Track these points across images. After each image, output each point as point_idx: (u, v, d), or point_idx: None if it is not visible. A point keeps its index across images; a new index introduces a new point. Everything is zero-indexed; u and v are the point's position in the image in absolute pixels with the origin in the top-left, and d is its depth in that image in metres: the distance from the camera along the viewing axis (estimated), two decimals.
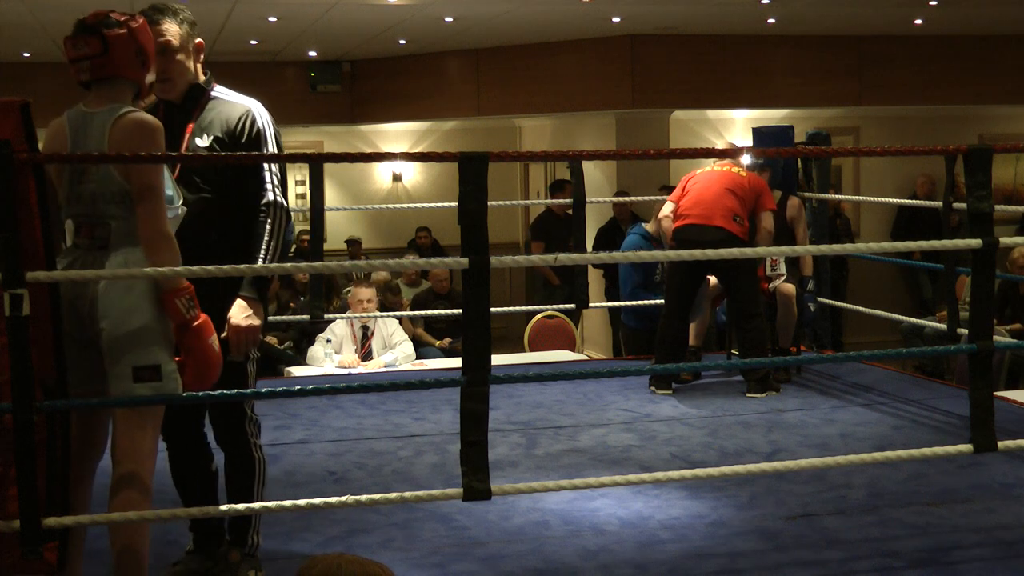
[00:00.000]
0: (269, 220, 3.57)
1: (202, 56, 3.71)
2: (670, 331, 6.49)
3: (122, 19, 3.31)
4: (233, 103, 3.67)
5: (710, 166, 6.70)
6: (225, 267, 3.40)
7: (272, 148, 3.67)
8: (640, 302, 7.58)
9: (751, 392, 6.35)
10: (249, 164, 3.61)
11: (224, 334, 3.50)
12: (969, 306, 4.12)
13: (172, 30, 3.59)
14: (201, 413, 3.80)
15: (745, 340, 6.40)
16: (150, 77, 3.42)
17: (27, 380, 3.13)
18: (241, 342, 3.51)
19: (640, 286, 7.92)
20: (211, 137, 3.61)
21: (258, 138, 3.63)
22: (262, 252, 3.54)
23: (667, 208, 6.63)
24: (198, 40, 3.68)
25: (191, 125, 3.64)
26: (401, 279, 10.54)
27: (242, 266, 3.44)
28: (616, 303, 8.72)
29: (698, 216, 6.38)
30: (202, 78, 3.69)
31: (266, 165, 3.61)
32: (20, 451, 3.13)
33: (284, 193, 3.65)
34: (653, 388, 6.49)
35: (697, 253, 4.12)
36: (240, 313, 3.50)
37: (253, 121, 3.63)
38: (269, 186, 3.59)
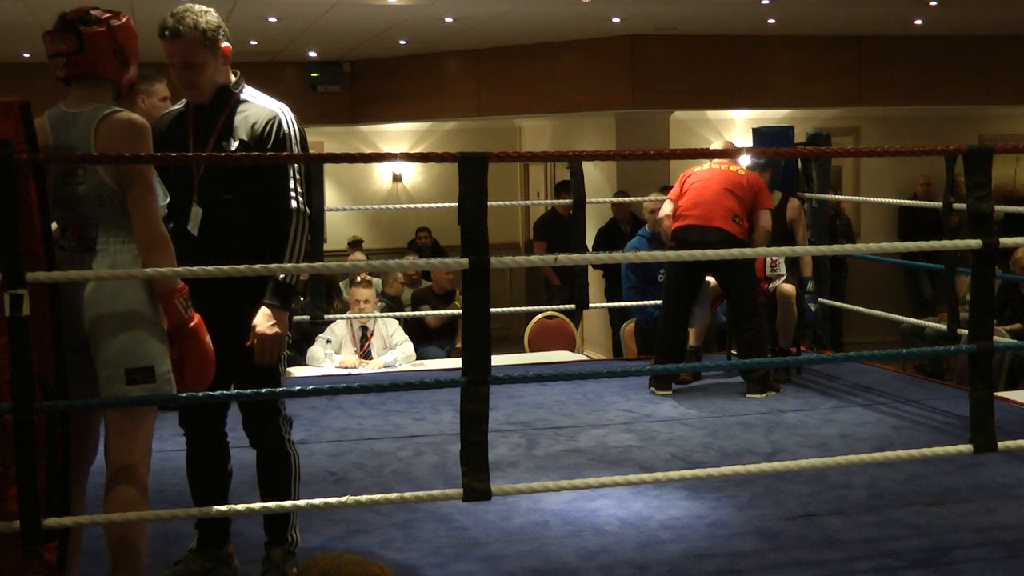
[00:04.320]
0: (292, 227, 3.55)
1: (229, 58, 3.67)
2: (669, 332, 6.49)
3: (103, 17, 3.25)
4: (261, 107, 3.66)
5: (708, 163, 6.68)
6: (225, 267, 3.39)
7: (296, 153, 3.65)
8: (641, 302, 7.56)
9: (751, 392, 6.35)
10: (271, 168, 3.57)
11: (249, 342, 3.50)
12: (969, 306, 4.12)
13: (186, 49, 3.54)
14: (224, 412, 3.79)
15: (743, 341, 6.40)
16: (129, 77, 3.37)
17: (27, 380, 3.12)
18: (266, 350, 3.51)
19: (637, 288, 7.89)
20: (237, 141, 3.60)
21: (283, 143, 3.61)
22: (285, 258, 3.53)
23: (667, 207, 6.61)
24: (225, 45, 3.64)
25: (218, 127, 3.63)
26: (400, 279, 10.53)
27: (242, 266, 3.43)
28: (616, 303, 8.71)
29: (697, 217, 6.37)
30: (232, 79, 3.68)
31: (291, 172, 3.59)
32: (20, 451, 3.13)
33: (308, 200, 3.63)
34: (653, 389, 6.49)
35: (697, 253, 4.12)
36: (265, 321, 3.50)
37: (279, 126, 3.61)
38: (293, 193, 3.58)
